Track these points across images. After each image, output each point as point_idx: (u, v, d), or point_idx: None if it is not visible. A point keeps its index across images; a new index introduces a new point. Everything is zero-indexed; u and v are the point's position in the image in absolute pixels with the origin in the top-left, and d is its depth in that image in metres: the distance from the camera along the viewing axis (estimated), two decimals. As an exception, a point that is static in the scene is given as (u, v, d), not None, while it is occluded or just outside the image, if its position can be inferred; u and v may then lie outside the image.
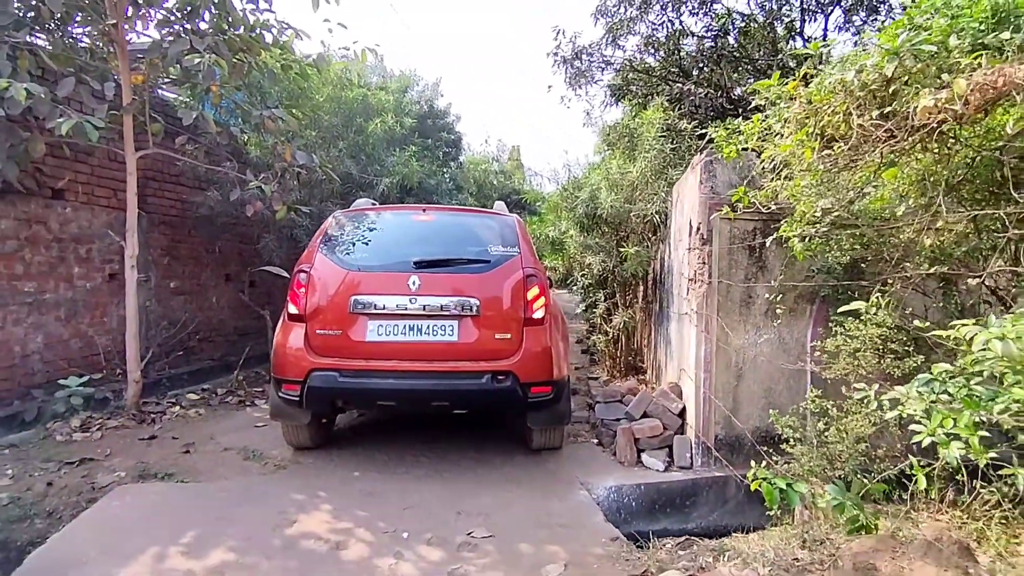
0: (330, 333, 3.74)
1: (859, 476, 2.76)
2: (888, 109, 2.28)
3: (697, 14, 8.23)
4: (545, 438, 4.29)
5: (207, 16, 4.97)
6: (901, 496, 2.79)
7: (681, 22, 8.36)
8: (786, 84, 2.76)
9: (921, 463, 2.60)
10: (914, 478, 2.56)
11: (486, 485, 3.85)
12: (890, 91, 2.26)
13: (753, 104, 3.36)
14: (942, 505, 2.81)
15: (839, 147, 2.43)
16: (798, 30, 8.30)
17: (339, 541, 3.05)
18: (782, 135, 2.83)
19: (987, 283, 2.91)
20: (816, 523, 2.75)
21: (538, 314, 3.83)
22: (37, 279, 5.98)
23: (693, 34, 8.85)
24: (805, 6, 8.10)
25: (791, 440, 3.19)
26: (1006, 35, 2.10)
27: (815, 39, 8.67)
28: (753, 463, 2.92)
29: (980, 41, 2.17)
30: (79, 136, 4.17)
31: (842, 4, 8.54)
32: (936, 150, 2.72)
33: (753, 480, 3.05)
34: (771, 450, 3.56)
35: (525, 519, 3.37)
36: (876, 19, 8.86)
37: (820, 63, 2.96)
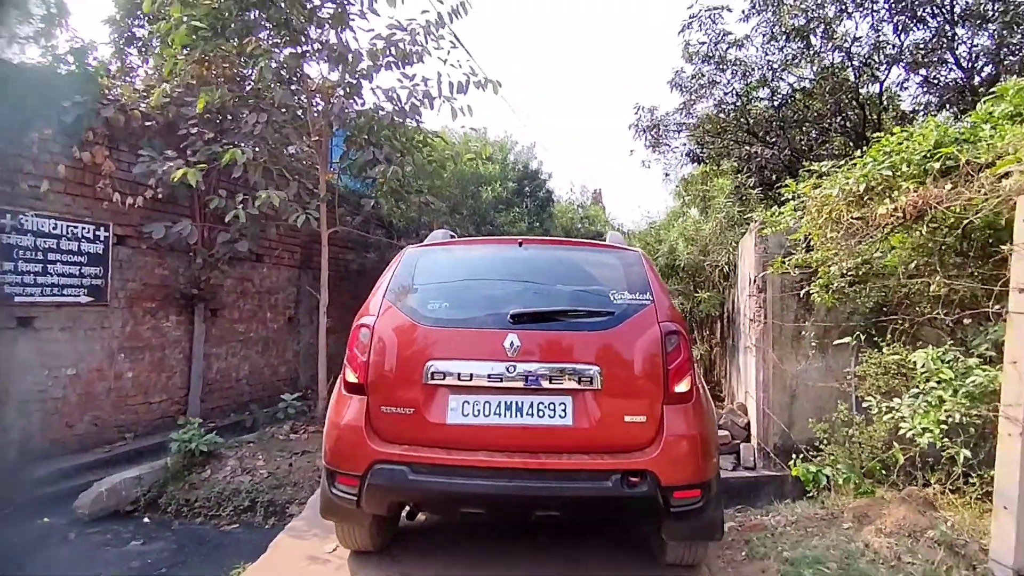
0: (399, 411, 2.81)
1: (870, 462, 3.82)
2: (865, 211, 3.48)
3: (760, 88, 9.41)
4: (684, 553, 3.14)
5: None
6: (904, 479, 3.81)
7: (748, 95, 9.56)
8: (802, 185, 3.99)
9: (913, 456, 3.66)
10: (919, 464, 3.64)
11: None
12: (863, 199, 3.45)
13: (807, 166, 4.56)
14: (928, 477, 3.79)
15: (835, 233, 3.63)
16: (855, 93, 9.24)
17: None
18: (803, 218, 4.04)
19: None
20: (837, 496, 3.83)
21: (683, 386, 2.78)
22: (245, 322, 8.06)
23: (761, 98, 9.99)
24: (861, 75, 9.05)
25: (824, 440, 4.26)
26: (937, 164, 3.27)
27: (874, 95, 9.57)
28: (800, 462, 4.06)
29: (923, 167, 3.34)
30: (303, 225, 6.05)
31: (902, 63, 9.39)
32: (920, 229, 3.85)
33: (794, 467, 4.20)
34: (818, 454, 4.61)
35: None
36: (939, 72, 9.60)
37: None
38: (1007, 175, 2.85)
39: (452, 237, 3.78)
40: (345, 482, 2.80)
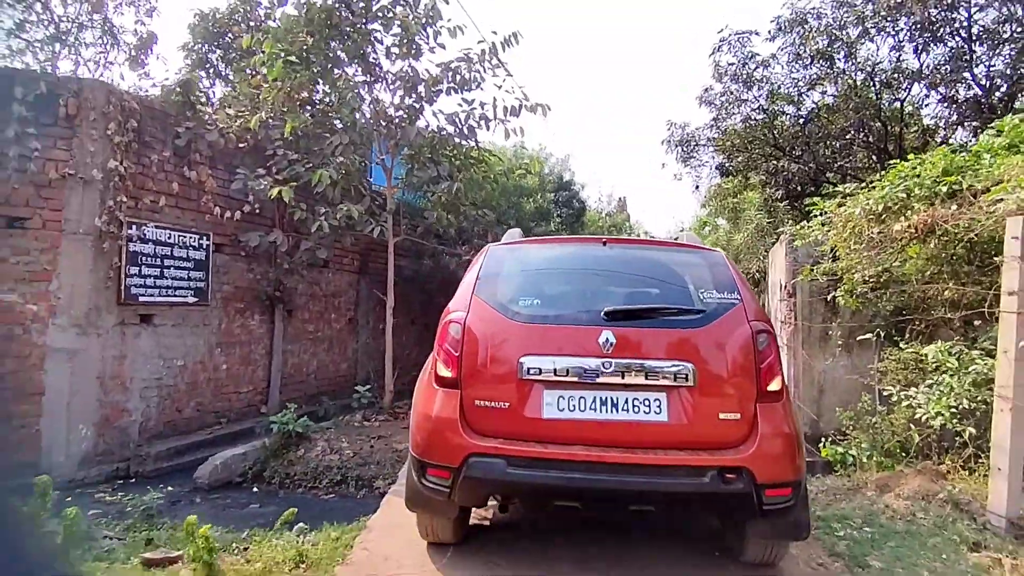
0: (495, 405, 2.87)
1: (891, 443, 4.44)
2: (883, 226, 4.12)
3: (786, 104, 10.03)
4: (766, 552, 3.12)
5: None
6: (921, 459, 4.42)
7: (773, 111, 10.19)
8: (828, 203, 4.63)
9: (928, 438, 4.28)
10: (934, 447, 4.26)
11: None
12: (882, 217, 4.10)
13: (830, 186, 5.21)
14: (943, 458, 4.39)
15: (857, 245, 4.27)
16: (877, 110, 9.82)
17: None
18: (829, 232, 4.69)
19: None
20: (861, 472, 4.45)
21: (775, 385, 2.85)
22: (314, 323, 8.88)
23: (786, 114, 10.61)
24: (882, 94, 9.63)
25: (850, 427, 4.88)
26: (944, 188, 3.90)
27: (895, 110, 10.13)
28: (828, 445, 4.69)
29: (932, 190, 3.98)
30: (379, 236, 6.83)
31: (922, 81, 9.94)
32: (932, 242, 4.47)
33: (823, 449, 4.83)
34: (844, 439, 5.22)
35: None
36: (957, 91, 10.12)
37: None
38: (1000, 200, 3.48)
39: (523, 237, 3.84)
40: (437, 474, 2.85)
